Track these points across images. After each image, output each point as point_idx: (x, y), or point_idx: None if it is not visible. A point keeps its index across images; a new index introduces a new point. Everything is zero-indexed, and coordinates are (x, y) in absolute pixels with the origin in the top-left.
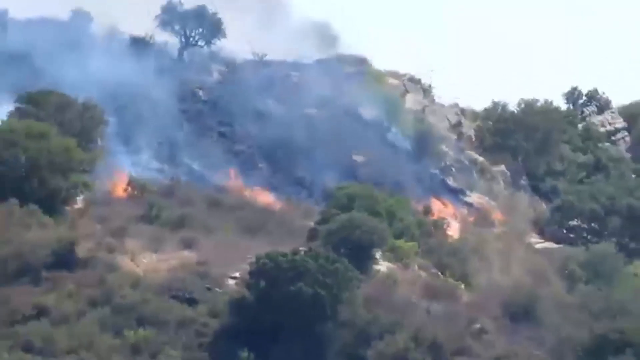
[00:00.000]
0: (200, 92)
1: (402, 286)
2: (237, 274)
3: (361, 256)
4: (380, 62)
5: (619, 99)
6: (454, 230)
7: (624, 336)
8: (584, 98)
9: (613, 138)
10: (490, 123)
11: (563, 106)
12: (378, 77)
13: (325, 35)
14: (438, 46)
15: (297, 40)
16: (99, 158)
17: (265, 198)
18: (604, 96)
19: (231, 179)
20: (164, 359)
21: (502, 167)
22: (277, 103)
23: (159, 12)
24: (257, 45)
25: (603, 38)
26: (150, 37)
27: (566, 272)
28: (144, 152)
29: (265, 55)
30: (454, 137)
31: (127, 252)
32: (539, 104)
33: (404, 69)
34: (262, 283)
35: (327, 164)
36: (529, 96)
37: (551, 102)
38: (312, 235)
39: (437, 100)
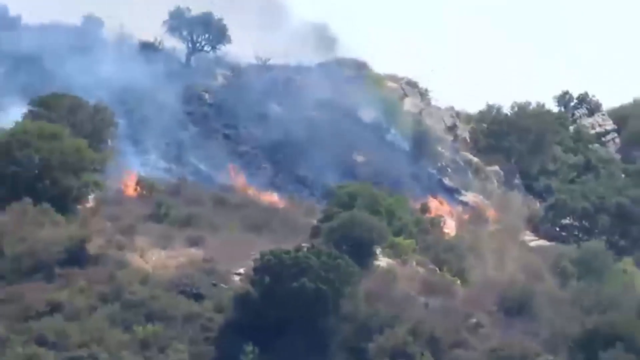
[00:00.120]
0: (206, 95)
1: (401, 281)
2: (242, 271)
3: (362, 253)
4: (379, 66)
5: (608, 102)
6: (450, 227)
7: (614, 330)
8: (575, 101)
9: (603, 139)
10: (485, 125)
11: (555, 109)
12: (377, 80)
13: (324, 37)
14: (434, 51)
15: (297, 43)
16: (109, 158)
17: (269, 197)
18: (594, 99)
19: (232, 176)
20: (171, 353)
21: (496, 168)
22: (280, 106)
23: (167, 18)
24: (258, 47)
25: (593, 43)
26: (159, 43)
27: (559, 268)
28: (152, 152)
29: (269, 59)
30: (450, 138)
31: (136, 249)
32: (531, 107)
33: (401, 71)
34: (266, 279)
35: (329, 164)
36: (522, 99)
37: (543, 105)
38: (315, 232)
39: (433, 103)
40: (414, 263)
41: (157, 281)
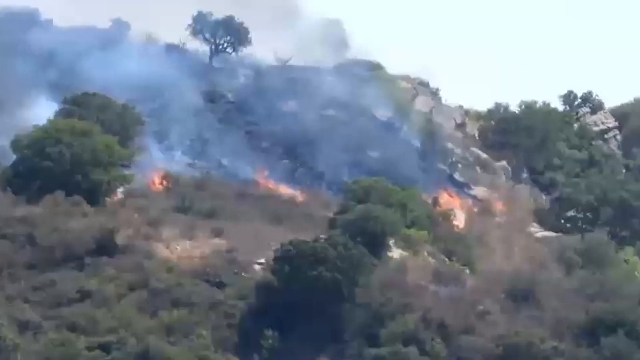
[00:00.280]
0: (229, 95)
1: (412, 271)
2: (262, 260)
3: (375, 244)
4: (392, 67)
5: (610, 100)
6: (460, 220)
7: (616, 317)
8: (579, 100)
9: (605, 136)
10: (493, 123)
11: (560, 107)
12: (391, 81)
13: (336, 37)
14: (445, 52)
15: (310, 42)
16: (137, 154)
17: (288, 190)
18: (597, 98)
19: (260, 175)
20: (195, 338)
21: (504, 163)
22: (299, 104)
23: (191, 22)
24: (272, 46)
25: (596, 45)
26: (184, 44)
27: (563, 258)
28: (178, 148)
29: (288, 60)
30: (460, 135)
31: (162, 240)
32: (538, 105)
33: (412, 70)
34: (286, 268)
35: (344, 159)
36: (528, 98)
37: (549, 104)
38: (331, 224)
39: (444, 102)
40: (425, 254)
41: (182, 270)
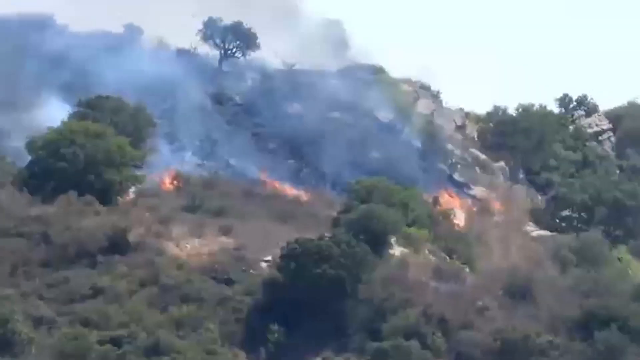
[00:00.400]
0: (237, 97)
1: (413, 268)
2: (269, 258)
3: (378, 242)
4: (394, 70)
5: (604, 103)
6: (459, 219)
7: (609, 312)
8: (574, 103)
9: (600, 138)
10: (492, 125)
11: (556, 110)
12: (393, 84)
13: (337, 36)
14: (444, 56)
15: (312, 42)
16: (149, 155)
17: (293, 190)
18: (592, 101)
19: (264, 176)
20: (203, 332)
21: (502, 164)
22: (304, 107)
23: (201, 27)
24: (273, 45)
25: (591, 50)
26: (194, 49)
27: (558, 256)
28: (188, 149)
29: (294, 64)
30: (460, 137)
31: (172, 238)
32: (534, 108)
33: (413, 74)
34: (292, 265)
35: (348, 160)
36: (526, 101)
37: (545, 107)
38: (335, 223)
39: (444, 104)
40: (426, 251)
41: (191, 267)
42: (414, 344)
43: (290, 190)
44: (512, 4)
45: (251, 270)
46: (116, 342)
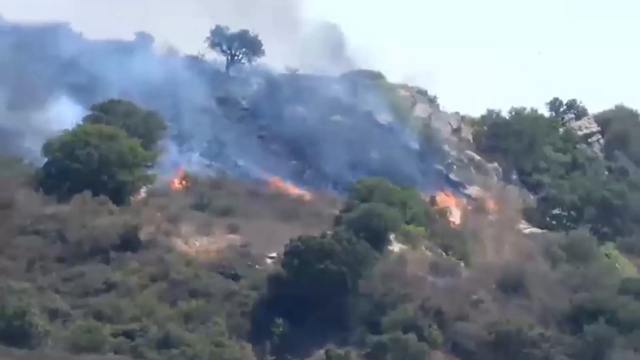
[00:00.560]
0: (243, 101)
1: (412, 264)
2: (274, 254)
3: (378, 239)
4: (392, 76)
5: (593, 107)
6: (455, 217)
7: (597, 305)
8: (564, 106)
9: (589, 140)
10: (486, 128)
11: (547, 113)
12: (391, 89)
13: (335, 39)
14: (441, 61)
15: (311, 45)
16: (159, 156)
17: (297, 190)
18: (581, 105)
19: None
20: (211, 325)
21: (495, 165)
22: (307, 110)
23: (209, 34)
24: (273, 48)
25: (581, 56)
26: (202, 56)
27: (549, 253)
28: (196, 151)
29: (297, 69)
30: (455, 139)
31: (182, 235)
32: (526, 111)
33: (411, 79)
34: (295, 262)
35: (349, 161)
36: (518, 105)
37: (537, 110)
38: (337, 221)
39: (441, 108)
40: (424, 248)
41: (199, 263)
42: (411, 336)
43: (293, 190)
44: (508, 11)
45: (257, 266)
46: (128, 334)
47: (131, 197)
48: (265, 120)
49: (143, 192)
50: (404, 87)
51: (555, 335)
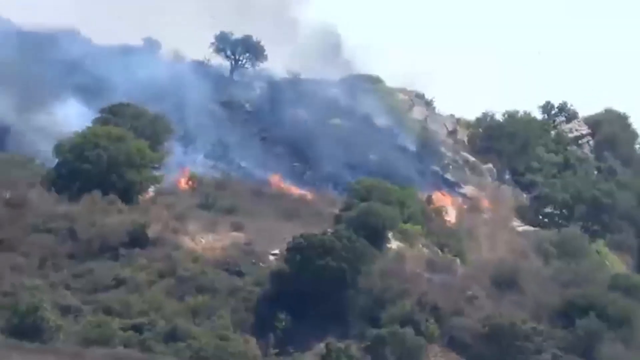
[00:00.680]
0: (247, 105)
1: (409, 261)
2: (276, 251)
3: (376, 237)
4: (390, 80)
5: (584, 110)
6: (451, 216)
7: (588, 301)
8: (556, 109)
9: (579, 142)
10: (480, 130)
11: (539, 116)
12: (389, 93)
13: (333, 40)
14: (439, 65)
15: (310, 48)
16: (166, 157)
17: (298, 190)
18: (572, 108)
19: (275, 179)
20: (217, 320)
21: (490, 165)
22: (308, 113)
23: (214, 40)
24: (272, 51)
25: (571, 62)
26: (208, 60)
27: (541, 250)
28: (202, 152)
29: (299, 74)
30: (451, 141)
31: (188, 233)
32: (519, 114)
33: (409, 82)
34: (297, 258)
35: (349, 162)
36: (511, 108)
37: (529, 113)
38: (337, 220)
39: (437, 111)
40: (420, 245)
41: (205, 260)
42: (409, 330)
43: (295, 190)
44: (502, 14)
45: (260, 263)
46: (137, 329)
47: (139, 197)
48: (267, 123)
49: (151, 192)
50: (402, 90)
51: (547, 330)
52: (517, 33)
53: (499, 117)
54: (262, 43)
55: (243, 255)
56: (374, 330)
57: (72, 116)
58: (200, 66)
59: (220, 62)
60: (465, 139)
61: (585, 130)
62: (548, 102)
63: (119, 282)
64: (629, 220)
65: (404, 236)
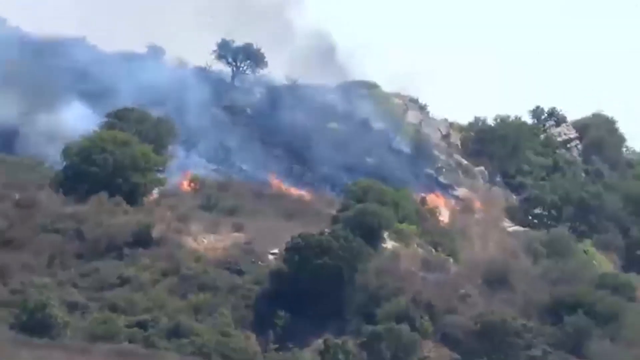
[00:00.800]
0: (248, 110)
1: (404, 260)
2: (276, 251)
3: (372, 237)
4: (386, 86)
5: (572, 114)
6: (444, 216)
7: (576, 298)
8: (545, 114)
9: (568, 146)
10: (472, 134)
11: (529, 120)
12: (385, 97)
13: (326, 45)
14: (433, 70)
15: (304, 53)
16: (170, 160)
17: (297, 191)
18: (561, 113)
19: (272, 179)
20: (218, 317)
21: (482, 168)
22: (306, 118)
23: (216, 47)
24: (269, 56)
25: (560, 68)
26: (209, 67)
27: (531, 249)
28: (204, 156)
29: (297, 80)
30: (444, 144)
31: (191, 233)
32: (510, 118)
33: (402, 87)
34: (296, 257)
35: (346, 165)
36: (502, 112)
37: (520, 118)
38: (335, 220)
39: (431, 115)
40: (415, 245)
41: (207, 259)
42: (404, 327)
43: (294, 191)
44: (498, 17)
45: (260, 262)
46: (141, 325)
47: (144, 198)
48: (267, 127)
49: (155, 194)
50: (397, 95)
51: (537, 326)
52: (510, 37)
53: (490, 121)
54: (262, 50)
55: (243, 255)
56: (370, 327)
57: (77, 119)
58: (203, 72)
59: (221, 68)
60: (458, 142)
61: (573, 134)
62: (538, 107)
63: (124, 281)
64: (615, 221)
65: (399, 236)
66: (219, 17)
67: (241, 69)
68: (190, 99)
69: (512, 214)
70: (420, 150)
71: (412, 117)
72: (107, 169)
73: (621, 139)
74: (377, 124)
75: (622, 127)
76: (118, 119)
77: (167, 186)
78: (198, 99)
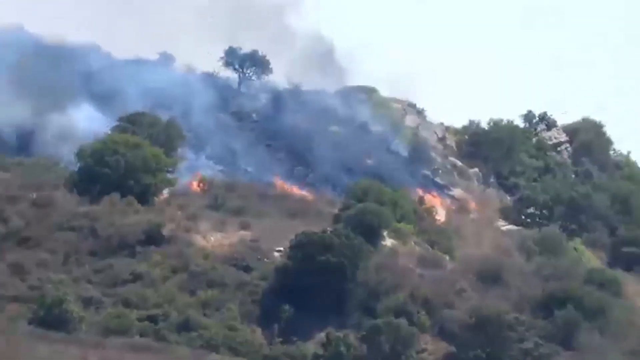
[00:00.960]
0: (253, 114)
1: (402, 257)
2: (281, 248)
3: (372, 235)
4: (385, 90)
5: (563, 119)
6: (440, 216)
7: (566, 294)
8: (537, 118)
9: (558, 149)
10: (467, 137)
11: (521, 124)
12: (384, 102)
13: (325, 50)
14: (429, 73)
15: (303, 58)
16: (179, 162)
17: (300, 192)
18: (552, 117)
19: (277, 180)
20: (226, 311)
21: (476, 170)
22: (309, 121)
23: (223, 55)
24: (271, 60)
25: (551, 75)
26: (217, 73)
27: (524, 247)
28: (212, 158)
29: (299, 85)
30: (441, 147)
31: (200, 232)
32: (503, 122)
33: (402, 92)
34: (300, 254)
35: (346, 166)
36: (496, 116)
37: (512, 121)
38: (336, 219)
39: (428, 119)
40: (413, 243)
41: (215, 257)
42: (402, 321)
43: (297, 191)
44: (495, 20)
45: (265, 259)
46: (152, 319)
47: (155, 198)
48: (271, 131)
49: (165, 194)
50: (396, 100)
51: (529, 320)
52: (506, 40)
53: (484, 124)
54: (267, 57)
55: (250, 252)
56: (370, 321)
57: (88, 121)
58: (210, 78)
59: (228, 75)
60: (454, 145)
61: (563, 137)
62: (530, 112)
63: (136, 277)
64: (603, 220)
65: (397, 234)
66: (220, 23)
67: (247, 75)
68: (198, 104)
69: (506, 214)
70: (418, 152)
71: (409, 120)
72: (120, 171)
73: (609, 142)
74: (376, 127)
75: (610, 130)
76: (130, 123)
77: (177, 187)
78: (206, 104)
